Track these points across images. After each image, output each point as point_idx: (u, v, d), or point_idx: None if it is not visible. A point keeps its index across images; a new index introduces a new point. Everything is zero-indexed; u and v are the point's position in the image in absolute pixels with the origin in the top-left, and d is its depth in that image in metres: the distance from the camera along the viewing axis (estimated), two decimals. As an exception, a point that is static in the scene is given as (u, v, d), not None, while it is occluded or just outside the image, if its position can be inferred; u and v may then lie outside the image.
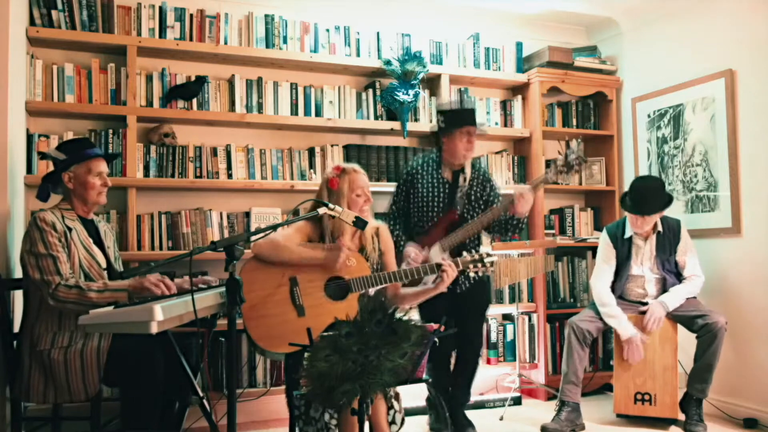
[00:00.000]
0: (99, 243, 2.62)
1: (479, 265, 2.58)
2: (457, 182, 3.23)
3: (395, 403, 2.34)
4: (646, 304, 3.43)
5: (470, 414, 3.36)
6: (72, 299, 2.31)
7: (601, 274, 3.53)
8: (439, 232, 3.15)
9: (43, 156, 2.60)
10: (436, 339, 1.99)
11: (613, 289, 3.49)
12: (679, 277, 3.47)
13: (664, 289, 3.45)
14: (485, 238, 3.58)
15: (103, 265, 2.57)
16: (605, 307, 3.41)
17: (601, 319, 3.43)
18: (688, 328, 3.33)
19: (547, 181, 3.21)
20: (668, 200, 3.41)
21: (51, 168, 2.59)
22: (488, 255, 2.59)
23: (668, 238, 3.46)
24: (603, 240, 3.59)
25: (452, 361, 3.34)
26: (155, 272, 2.39)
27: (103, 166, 2.58)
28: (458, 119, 3.21)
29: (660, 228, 3.46)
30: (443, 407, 3.19)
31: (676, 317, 3.35)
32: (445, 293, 2.69)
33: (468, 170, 3.27)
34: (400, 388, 2.35)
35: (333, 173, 2.68)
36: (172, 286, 2.39)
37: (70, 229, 2.47)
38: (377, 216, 3.21)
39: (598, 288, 3.49)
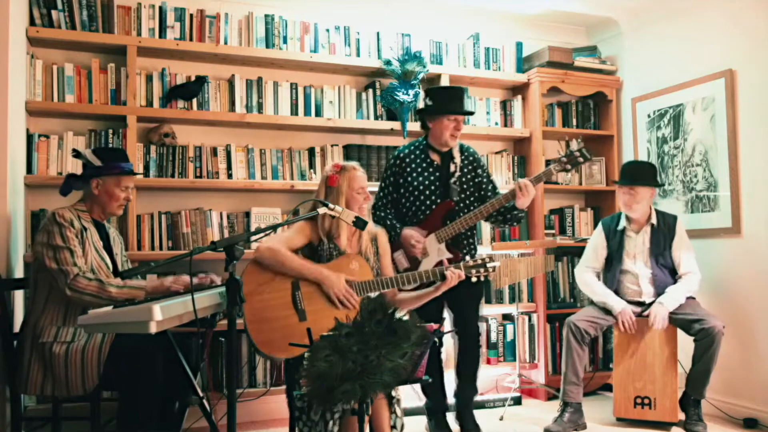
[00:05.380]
0: (108, 248, 2.66)
1: (481, 270, 2.58)
2: (448, 166, 3.15)
3: (397, 409, 2.33)
4: (642, 303, 3.42)
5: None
6: (91, 291, 2.35)
7: (584, 262, 3.60)
8: (435, 221, 3.07)
9: (77, 155, 2.64)
10: (436, 339, 1.99)
11: (606, 284, 3.50)
12: (673, 275, 3.45)
13: (657, 286, 3.43)
14: (485, 228, 3.52)
15: (111, 269, 2.61)
16: (590, 287, 3.48)
17: (599, 318, 3.42)
18: (686, 332, 3.32)
19: (550, 175, 3.15)
20: (659, 182, 3.47)
21: (73, 164, 2.62)
22: (491, 260, 2.59)
23: (663, 232, 3.46)
24: (596, 231, 3.63)
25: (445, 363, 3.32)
26: (155, 273, 2.41)
27: (131, 181, 2.65)
28: (446, 105, 3.09)
29: (654, 221, 3.47)
30: (440, 411, 3.18)
31: (674, 321, 3.33)
32: None
33: (457, 155, 3.18)
34: (399, 391, 2.35)
35: (332, 170, 2.67)
36: (188, 285, 2.45)
37: (85, 229, 2.52)
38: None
39: (581, 273, 3.57)
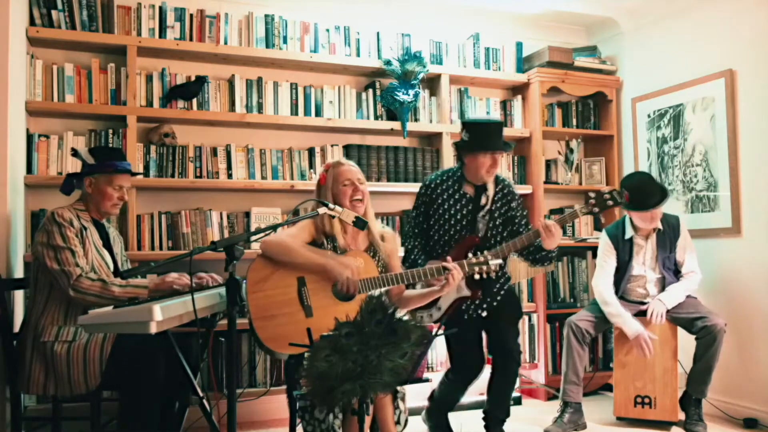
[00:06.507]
0: (107, 247, 2.66)
1: (483, 267, 2.57)
2: (480, 199, 2.97)
3: (401, 404, 2.34)
4: (646, 304, 3.43)
5: (470, 414, 3.36)
6: (94, 291, 2.35)
7: (602, 274, 3.50)
8: (459, 256, 2.76)
9: (74, 154, 2.65)
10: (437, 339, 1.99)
11: (614, 289, 3.49)
12: (677, 275, 3.46)
13: (664, 288, 3.45)
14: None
15: (111, 268, 2.61)
16: (608, 306, 3.39)
17: (599, 318, 3.43)
18: (687, 330, 3.33)
19: (575, 218, 2.98)
20: (664, 189, 3.41)
21: (72, 164, 2.65)
22: (494, 257, 2.59)
23: (668, 235, 3.45)
24: (603, 241, 3.58)
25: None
26: (154, 273, 2.41)
27: (125, 181, 2.63)
28: (484, 141, 2.89)
29: (659, 225, 3.45)
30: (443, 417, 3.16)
31: (675, 319, 3.34)
32: (474, 318, 2.69)
33: (491, 187, 3.00)
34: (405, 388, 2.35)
35: (322, 170, 2.72)
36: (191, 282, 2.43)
37: (84, 228, 2.52)
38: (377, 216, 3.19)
39: (600, 288, 3.46)
